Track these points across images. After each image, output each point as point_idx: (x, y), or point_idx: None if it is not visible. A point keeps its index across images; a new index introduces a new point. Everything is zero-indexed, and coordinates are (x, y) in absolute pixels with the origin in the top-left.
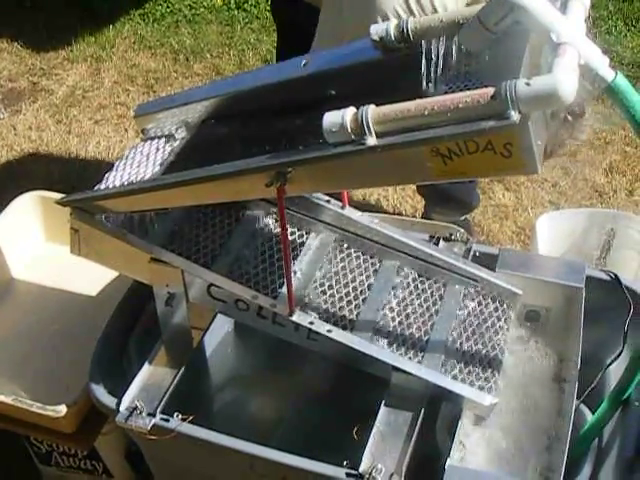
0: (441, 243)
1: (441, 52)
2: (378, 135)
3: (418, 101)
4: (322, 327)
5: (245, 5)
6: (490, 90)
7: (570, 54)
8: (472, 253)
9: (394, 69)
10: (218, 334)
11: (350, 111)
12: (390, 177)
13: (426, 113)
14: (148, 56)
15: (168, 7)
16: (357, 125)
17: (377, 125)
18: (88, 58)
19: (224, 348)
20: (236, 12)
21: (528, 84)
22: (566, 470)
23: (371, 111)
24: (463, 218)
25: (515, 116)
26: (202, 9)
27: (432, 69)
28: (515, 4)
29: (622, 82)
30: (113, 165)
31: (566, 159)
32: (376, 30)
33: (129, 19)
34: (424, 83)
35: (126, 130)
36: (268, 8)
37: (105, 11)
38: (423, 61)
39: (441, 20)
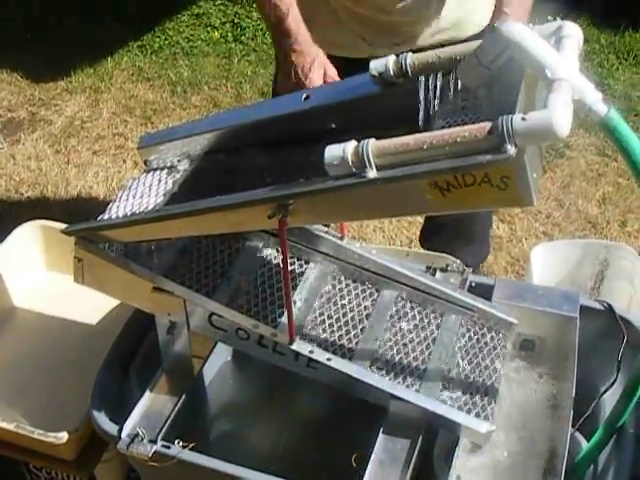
0: (438, 273)
1: (439, 87)
2: (378, 168)
3: (417, 135)
4: (322, 355)
5: (242, 38)
6: (487, 125)
7: (564, 90)
8: (468, 283)
9: (393, 104)
10: (217, 363)
11: (351, 145)
12: (390, 209)
13: (425, 147)
14: (146, 88)
15: (166, 39)
16: (358, 158)
17: (377, 158)
18: (87, 89)
19: (223, 377)
20: (233, 45)
21: (524, 119)
22: None
23: (371, 145)
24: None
25: (511, 150)
26: (199, 42)
27: (430, 104)
28: (511, 41)
29: (615, 116)
30: (116, 195)
31: (560, 191)
32: (375, 65)
33: (127, 51)
34: (422, 118)
35: (124, 161)
36: (265, 41)
37: (104, 43)
38: (421, 96)
39: (439, 56)
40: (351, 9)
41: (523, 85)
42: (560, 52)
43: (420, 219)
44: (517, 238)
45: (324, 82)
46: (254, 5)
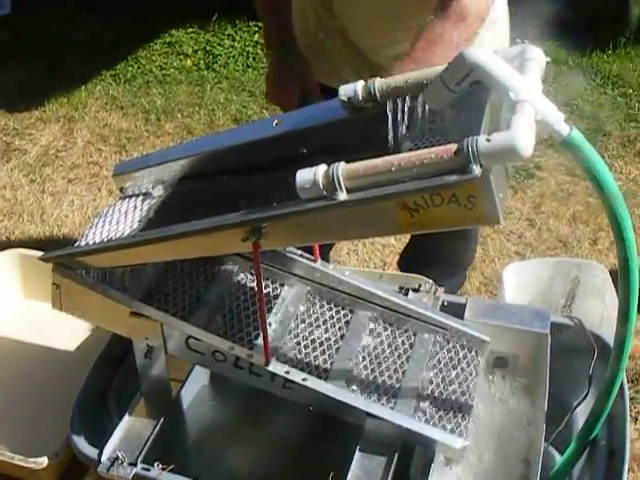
0: (410, 294)
1: (406, 111)
2: (348, 190)
3: (385, 158)
4: (298, 376)
5: (214, 65)
6: (453, 146)
7: (527, 111)
8: (441, 303)
9: (362, 128)
10: (195, 387)
11: (321, 168)
12: (361, 230)
13: (393, 169)
14: (120, 116)
15: (139, 68)
16: (328, 181)
17: (347, 181)
18: (61, 118)
19: (201, 400)
20: (206, 72)
21: (489, 140)
22: None
23: (341, 168)
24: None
25: (477, 170)
26: (172, 70)
27: (398, 127)
28: (475, 65)
29: (577, 136)
30: (92, 222)
31: (531, 211)
32: (344, 91)
33: (101, 80)
34: (391, 141)
35: (99, 189)
36: (237, 68)
37: (77, 72)
38: (389, 120)
39: (406, 81)
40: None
41: (488, 107)
42: (523, 74)
43: (394, 242)
44: (490, 258)
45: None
46: (226, 33)
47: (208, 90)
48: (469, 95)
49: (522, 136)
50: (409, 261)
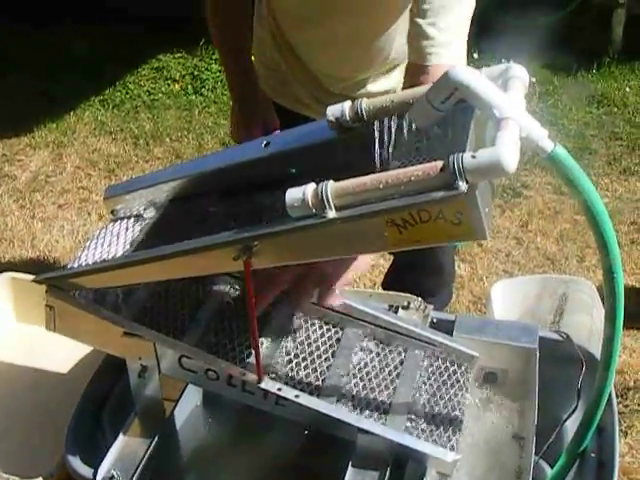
0: (400, 311)
1: (393, 130)
2: (337, 208)
3: (373, 176)
4: (290, 393)
5: (202, 90)
6: (439, 163)
7: (511, 128)
8: (430, 320)
9: (350, 147)
10: (188, 407)
11: (310, 187)
12: (350, 247)
13: (381, 186)
14: (109, 141)
15: (127, 93)
16: (318, 200)
17: (336, 199)
18: (50, 144)
19: (194, 420)
20: (194, 97)
21: (474, 157)
22: None
23: (330, 186)
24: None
25: (463, 186)
26: (160, 94)
27: (385, 146)
28: (459, 84)
29: (561, 152)
30: (84, 244)
31: (518, 229)
32: (332, 111)
33: (89, 105)
34: (378, 160)
35: (89, 214)
36: (225, 92)
37: (65, 98)
38: (377, 139)
39: (392, 100)
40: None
41: (473, 125)
42: (507, 92)
43: (383, 262)
44: (478, 277)
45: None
46: (213, 57)
47: (196, 114)
48: (455, 113)
49: (507, 152)
50: (392, 282)
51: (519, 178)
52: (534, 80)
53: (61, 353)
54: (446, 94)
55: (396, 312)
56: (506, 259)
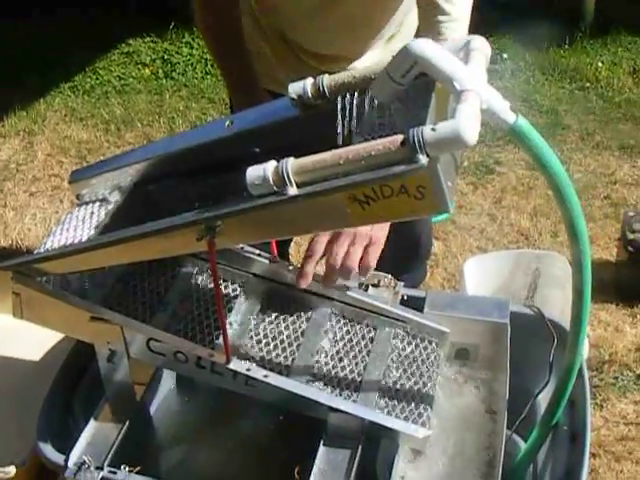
0: (370, 289)
1: (356, 106)
2: (298, 185)
3: (334, 151)
4: (259, 373)
5: (173, 74)
6: (400, 137)
7: (472, 100)
8: (400, 297)
9: (313, 125)
10: (161, 391)
11: (271, 164)
12: (313, 224)
13: (341, 162)
14: (80, 128)
15: (97, 79)
16: (278, 177)
17: (297, 176)
18: (20, 132)
19: (168, 404)
20: (164, 81)
21: (434, 130)
22: None
23: (291, 163)
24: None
25: (423, 160)
26: (131, 79)
27: (347, 122)
28: (419, 57)
29: (523, 123)
30: (50, 230)
31: (492, 206)
32: (294, 88)
33: (59, 92)
34: (341, 136)
35: (61, 201)
36: (195, 75)
37: (35, 85)
38: (339, 116)
39: (354, 76)
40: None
41: (434, 98)
42: (468, 65)
43: None
44: (452, 254)
45: None
46: (184, 41)
47: (167, 98)
48: (417, 87)
49: (466, 124)
50: None
51: (492, 155)
52: (506, 56)
53: (32, 341)
54: (406, 67)
55: (366, 290)
56: (480, 236)
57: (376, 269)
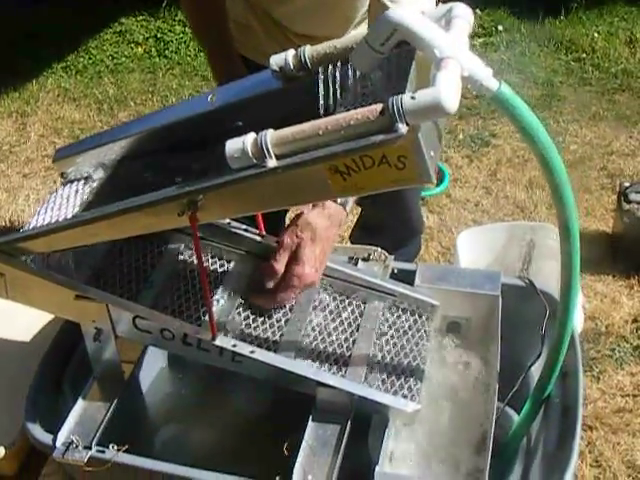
0: (360, 263)
1: (338, 77)
2: (278, 157)
3: (312, 122)
4: (245, 349)
5: (166, 52)
6: (379, 106)
7: (452, 67)
8: (391, 270)
9: (296, 97)
10: (153, 370)
11: (250, 137)
12: (296, 197)
13: (320, 133)
14: (72, 108)
15: (90, 59)
16: (257, 149)
17: (276, 148)
18: (13, 113)
19: (159, 383)
20: (158, 59)
21: (413, 98)
22: (500, 471)
23: (270, 135)
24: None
25: (403, 128)
26: (124, 58)
27: (330, 94)
28: (398, 24)
29: (506, 91)
30: (36, 210)
31: (487, 178)
32: (275, 60)
33: (52, 73)
34: (323, 108)
35: (54, 182)
36: (189, 53)
37: (28, 66)
38: (321, 87)
39: (335, 46)
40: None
41: (414, 66)
42: (449, 32)
43: (351, 217)
44: (447, 228)
45: None
46: (176, 19)
47: (160, 77)
48: (399, 56)
49: (446, 92)
50: (359, 236)
51: (487, 127)
52: (501, 28)
53: (25, 321)
54: (385, 35)
55: (356, 264)
56: (475, 209)
57: (370, 245)
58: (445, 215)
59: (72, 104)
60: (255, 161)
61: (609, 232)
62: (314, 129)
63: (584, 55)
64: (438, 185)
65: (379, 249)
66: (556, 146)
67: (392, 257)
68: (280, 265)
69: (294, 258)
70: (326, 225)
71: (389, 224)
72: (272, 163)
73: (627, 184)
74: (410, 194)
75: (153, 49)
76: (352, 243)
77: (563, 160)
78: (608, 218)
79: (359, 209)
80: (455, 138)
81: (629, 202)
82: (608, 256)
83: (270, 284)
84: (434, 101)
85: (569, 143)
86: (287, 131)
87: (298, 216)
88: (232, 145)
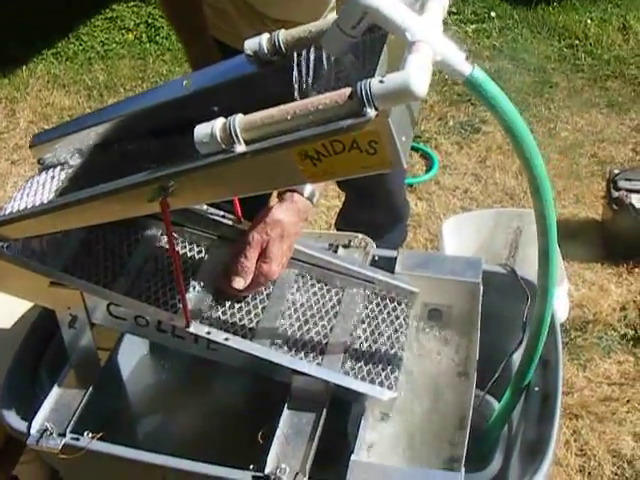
0: (340, 250)
1: (312, 61)
2: (247, 142)
3: (281, 107)
4: (219, 336)
5: (157, 38)
6: (347, 90)
7: (423, 51)
8: (371, 257)
9: (270, 81)
10: (134, 357)
11: (219, 122)
12: (267, 182)
13: (289, 117)
14: (62, 94)
15: (80, 45)
16: (226, 134)
17: (245, 133)
18: (3, 100)
19: (141, 370)
20: (148, 45)
21: (382, 81)
22: (480, 460)
23: (238, 120)
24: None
25: (371, 113)
26: (114, 44)
27: (304, 78)
28: (368, 7)
29: (479, 75)
30: (12, 196)
31: (476, 165)
32: (249, 45)
33: (42, 59)
34: (297, 93)
35: None
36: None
37: (18, 53)
38: (295, 71)
39: (310, 30)
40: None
41: (386, 50)
42: (423, 15)
43: (339, 203)
44: (435, 215)
45: None
46: None
47: (151, 63)
48: (367, 39)
49: (416, 75)
50: (344, 222)
51: (477, 114)
52: (494, 15)
53: (5, 306)
54: (356, 19)
55: (336, 251)
56: (464, 195)
57: (355, 231)
58: (434, 202)
59: (62, 90)
60: (224, 146)
61: (599, 220)
62: (283, 114)
63: (577, 42)
64: (427, 172)
65: (360, 236)
66: (547, 133)
67: (373, 244)
68: (250, 263)
69: (263, 256)
70: (294, 221)
71: (373, 210)
72: (241, 148)
73: (616, 171)
74: (394, 179)
75: (144, 35)
76: (337, 229)
77: (554, 147)
78: (598, 205)
79: (344, 195)
80: (445, 125)
81: (618, 189)
82: (597, 244)
83: (240, 282)
84: (403, 85)
85: (560, 130)
86: (256, 116)
87: (267, 211)
88: (201, 130)
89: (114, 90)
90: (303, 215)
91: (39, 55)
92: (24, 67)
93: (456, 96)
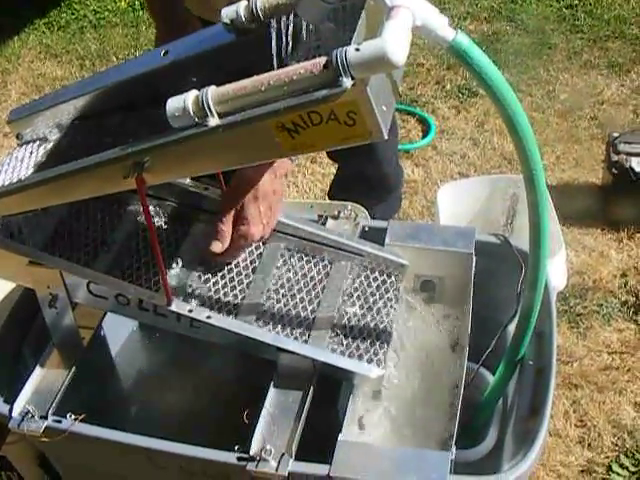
0: (329, 222)
1: (291, 29)
2: (220, 115)
3: (254, 78)
4: (201, 314)
5: None
6: (322, 60)
7: (402, 16)
8: (361, 229)
9: (248, 50)
10: (118, 335)
11: (192, 94)
12: (245, 156)
13: (263, 89)
14: (54, 64)
15: (73, 14)
16: (199, 107)
17: (218, 105)
18: None
19: (128, 350)
20: (141, 13)
21: (358, 50)
22: (475, 434)
23: (211, 92)
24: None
25: (347, 83)
26: (107, 13)
27: (283, 46)
28: None
29: (463, 40)
30: None
31: (474, 130)
32: (226, 13)
33: (34, 29)
34: (276, 62)
35: None
36: None
37: (9, 23)
38: (274, 40)
39: None
40: None
41: (364, 16)
42: None
43: (334, 170)
44: (432, 181)
45: None
46: None
47: (143, 30)
48: (346, 6)
49: (393, 43)
50: (337, 192)
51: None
52: None
53: None
54: None
55: (325, 223)
56: (461, 161)
57: (348, 201)
58: (430, 168)
59: (54, 60)
60: (197, 120)
61: (599, 184)
62: (256, 85)
63: (576, 1)
64: (424, 137)
65: (350, 206)
66: (546, 95)
67: (365, 214)
68: (226, 226)
69: (239, 217)
70: (269, 179)
71: (365, 180)
72: (214, 121)
73: (616, 134)
74: (385, 148)
75: (137, 2)
76: (330, 199)
77: (553, 110)
78: (598, 169)
79: (337, 165)
80: (442, 89)
81: (618, 153)
82: (597, 209)
83: (218, 246)
84: (379, 53)
85: (559, 92)
86: (228, 88)
87: (239, 172)
88: (173, 104)
89: (107, 59)
90: (281, 171)
91: (31, 25)
92: (15, 38)
93: (453, 59)
